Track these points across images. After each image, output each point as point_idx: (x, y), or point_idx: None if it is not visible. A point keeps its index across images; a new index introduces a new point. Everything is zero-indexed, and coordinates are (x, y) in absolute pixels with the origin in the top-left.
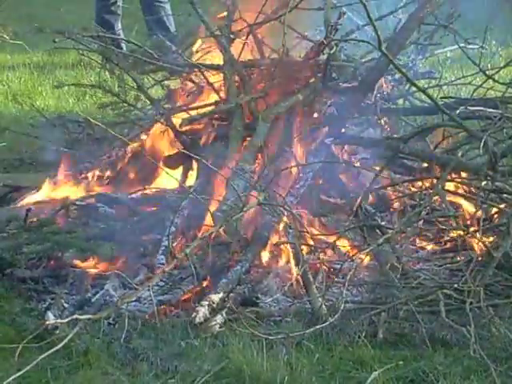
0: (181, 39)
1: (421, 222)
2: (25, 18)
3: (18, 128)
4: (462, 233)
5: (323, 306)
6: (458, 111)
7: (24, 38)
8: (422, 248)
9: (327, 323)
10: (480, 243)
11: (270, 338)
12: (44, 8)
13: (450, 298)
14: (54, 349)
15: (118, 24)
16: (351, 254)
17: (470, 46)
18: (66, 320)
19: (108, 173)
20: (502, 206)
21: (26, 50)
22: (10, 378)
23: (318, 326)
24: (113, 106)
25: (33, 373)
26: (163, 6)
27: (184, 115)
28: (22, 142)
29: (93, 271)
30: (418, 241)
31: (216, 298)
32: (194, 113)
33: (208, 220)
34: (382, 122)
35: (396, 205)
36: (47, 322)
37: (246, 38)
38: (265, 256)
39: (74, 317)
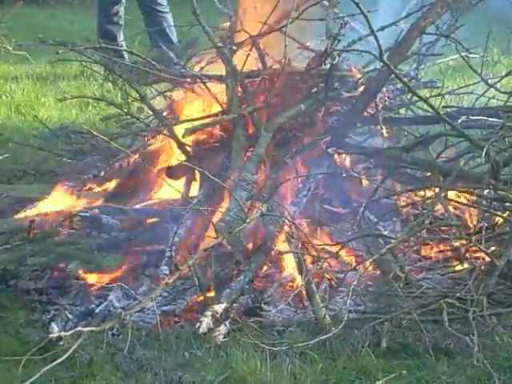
0: (181, 49)
1: (424, 231)
2: (27, 28)
3: (21, 139)
4: (464, 242)
5: (327, 316)
6: (459, 120)
7: (27, 48)
8: (426, 257)
9: (331, 334)
10: (483, 252)
11: (274, 349)
12: (46, 19)
13: (453, 307)
14: (58, 361)
15: (120, 34)
16: (354, 264)
17: (472, 56)
18: (70, 333)
19: (111, 183)
20: (505, 214)
21: (28, 60)
22: None
23: (322, 337)
24: (116, 119)
25: None
26: (164, 17)
27: (187, 126)
28: (25, 153)
29: (96, 282)
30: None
31: (219, 308)
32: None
33: (211, 231)
34: (384, 131)
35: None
36: (51, 335)
37: (250, 50)
38: (268, 266)
39: (78, 329)
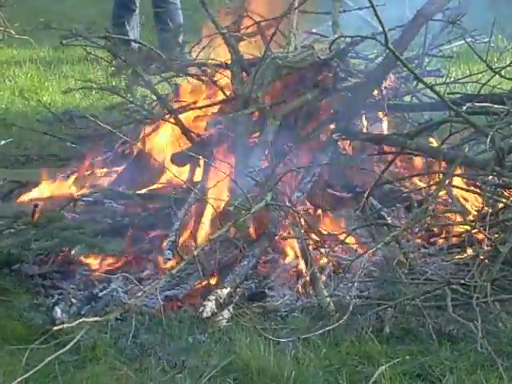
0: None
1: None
2: (31, 13)
3: (24, 124)
4: (468, 228)
5: (331, 303)
6: (464, 107)
7: (30, 33)
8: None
9: (336, 324)
10: (487, 238)
11: (281, 340)
12: (49, 3)
13: (457, 293)
14: (63, 350)
15: (131, 20)
16: (359, 252)
17: (477, 41)
18: (74, 324)
19: (115, 168)
20: (509, 201)
21: (32, 45)
22: (20, 378)
23: (327, 328)
24: (120, 108)
25: (41, 367)
26: (173, 2)
27: (193, 113)
28: (29, 138)
29: (100, 267)
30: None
31: (223, 292)
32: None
33: (214, 218)
34: (389, 117)
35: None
36: (55, 328)
37: (262, 36)
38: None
39: (81, 320)
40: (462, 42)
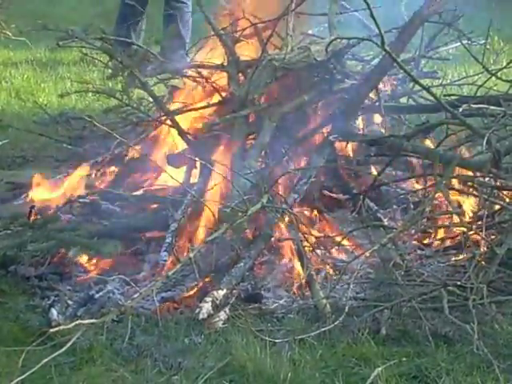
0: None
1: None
2: (27, 14)
3: (20, 125)
4: (465, 230)
5: (327, 305)
6: (461, 109)
7: (27, 34)
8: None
9: (332, 325)
10: (483, 240)
11: (277, 341)
12: (46, 5)
13: (454, 294)
14: (60, 351)
15: (137, 23)
16: (355, 254)
17: (474, 43)
18: (71, 325)
19: (111, 170)
20: (505, 202)
21: (28, 46)
22: (17, 380)
23: (323, 329)
24: (116, 110)
25: (37, 369)
26: (185, 3)
27: (189, 114)
28: (25, 139)
29: (96, 269)
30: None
31: (219, 294)
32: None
33: (210, 220)
34: (385, 119)
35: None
36: (51, 330)
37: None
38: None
39: (78, 322)
40: (458, 44)
